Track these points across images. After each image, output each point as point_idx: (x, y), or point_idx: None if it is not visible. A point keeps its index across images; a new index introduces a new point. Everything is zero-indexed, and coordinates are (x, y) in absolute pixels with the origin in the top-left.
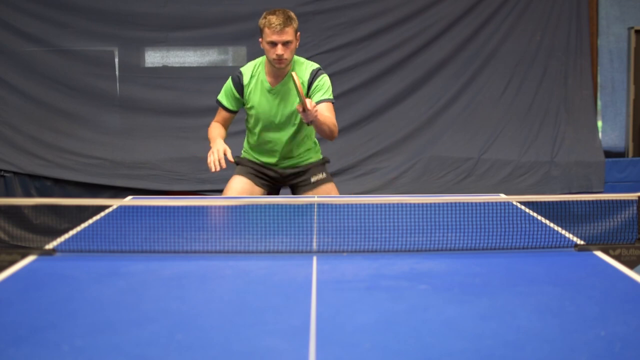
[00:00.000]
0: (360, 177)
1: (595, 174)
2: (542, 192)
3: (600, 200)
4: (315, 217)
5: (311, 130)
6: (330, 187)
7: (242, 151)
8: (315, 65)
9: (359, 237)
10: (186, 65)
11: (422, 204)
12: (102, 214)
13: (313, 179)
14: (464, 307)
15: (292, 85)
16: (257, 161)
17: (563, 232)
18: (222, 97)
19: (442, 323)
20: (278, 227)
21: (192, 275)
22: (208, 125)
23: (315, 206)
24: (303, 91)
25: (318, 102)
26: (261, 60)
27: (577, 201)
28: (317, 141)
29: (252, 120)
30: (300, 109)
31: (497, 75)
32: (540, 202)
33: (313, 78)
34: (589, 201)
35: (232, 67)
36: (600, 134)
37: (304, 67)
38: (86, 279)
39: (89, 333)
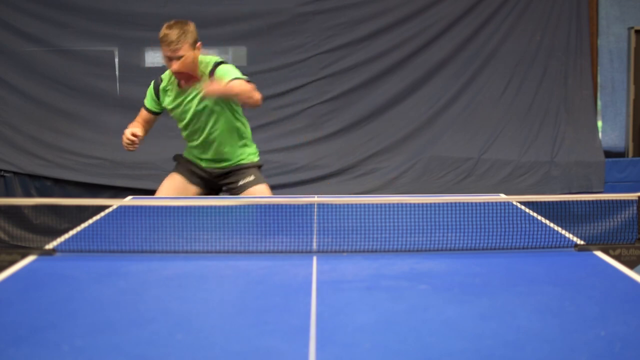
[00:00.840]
0: (360, 177)
1: (595, 174)
2: (542, 192)
3: (600, 200)
4: (315, 217)
5: (241, 130)
6: (259, 189)
7: (185, 149)
8: (215, 60)
9: (359, 237)
10: None
11: (422, 204)
12: (102, 214)
13: (241, 182)
14: (464, 307)
15: (198, 86)
16: (192, 160)
17: (563, 232)
18: (145, 99)
19: (442, 323)
20: (278, 227)
21: (192, 275)
22: None
23: (315, 206)
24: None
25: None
26: None
27: (577, 201)
28: (251, 145)
29: (176, 122)
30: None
31: (497, 75)
32: (540, 202)
33: (212, 73)
34: (589, 201)
35: None
36: (600, 134)
37: (205, 67)
38: (86, 279)
39: (89, 333)
